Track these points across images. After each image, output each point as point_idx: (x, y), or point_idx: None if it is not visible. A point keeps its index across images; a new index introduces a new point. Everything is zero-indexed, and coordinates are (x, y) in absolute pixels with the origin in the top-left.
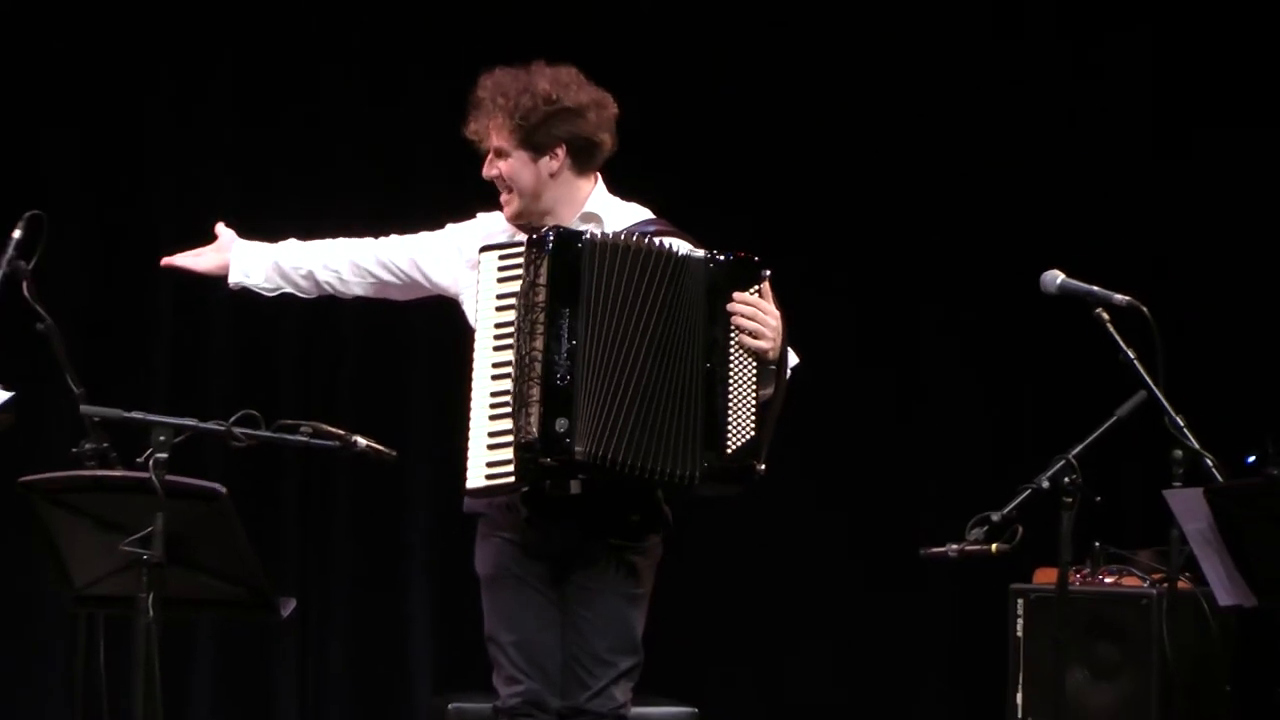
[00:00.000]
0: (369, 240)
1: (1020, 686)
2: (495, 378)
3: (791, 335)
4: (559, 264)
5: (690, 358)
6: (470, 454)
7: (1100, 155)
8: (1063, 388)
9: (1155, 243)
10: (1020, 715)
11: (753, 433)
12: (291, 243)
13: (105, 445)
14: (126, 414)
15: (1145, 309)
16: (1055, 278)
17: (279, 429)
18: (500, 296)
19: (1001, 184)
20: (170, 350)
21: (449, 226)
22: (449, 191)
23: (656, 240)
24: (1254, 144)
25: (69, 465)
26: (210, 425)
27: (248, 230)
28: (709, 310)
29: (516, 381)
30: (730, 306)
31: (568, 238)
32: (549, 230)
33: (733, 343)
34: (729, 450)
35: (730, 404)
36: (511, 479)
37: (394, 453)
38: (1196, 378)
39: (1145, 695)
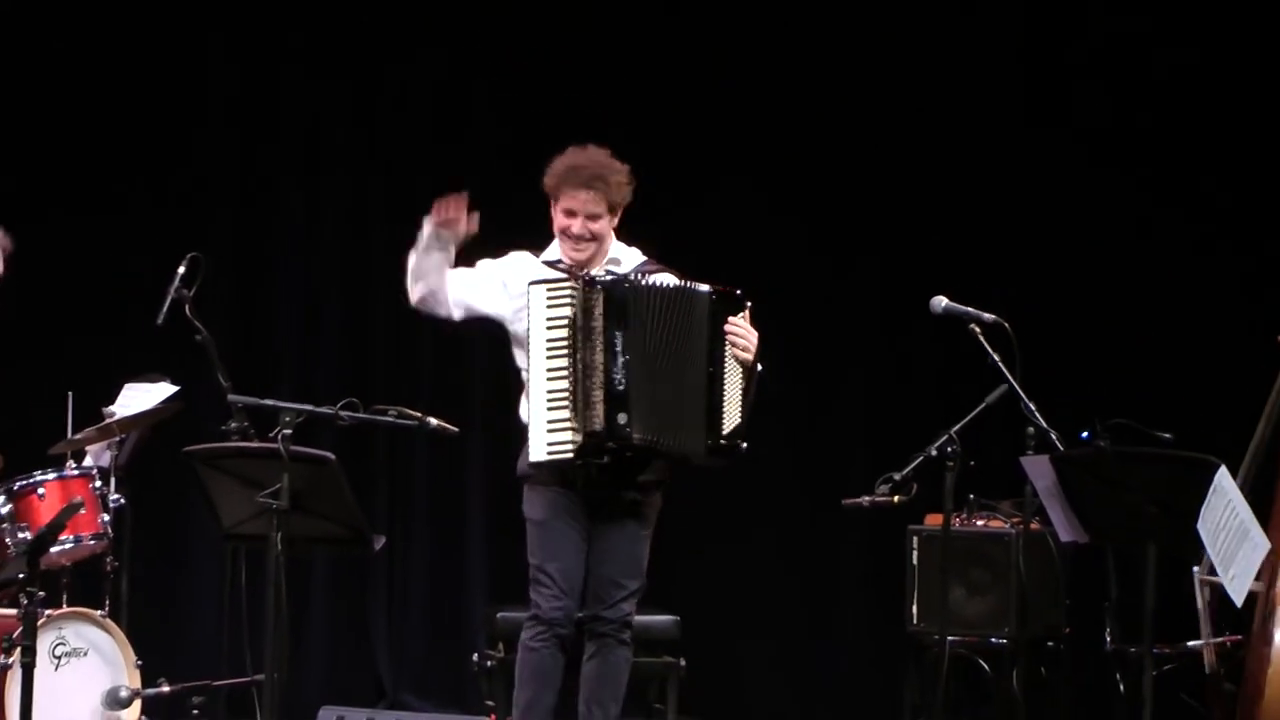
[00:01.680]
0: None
1: (915, 601)
2: (550, 379)
3: (777, 343)
4: (611, 299)
5: (698, 365)
6: (532, 435)
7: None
8: (945, 382)
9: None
10: (915, 622)
11: (739, 419)
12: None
13: (246, 424)
14: (261, 401)
15: (1007, 325)
16: (940, 302)
17: (373, 412)
18: (550, 319)
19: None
20: (294, 355)
21: (484, 262)
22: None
23: (674, 281)
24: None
25: (220, 438)
26: (323, 409)
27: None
28: (710, 330)
29: (577, 384)
30: (727, 328)
31: (617, 279)
32: (600, 274)
33: (728, 354)
34: (724, 432)
35: (725, 399)
36: (569, 455)
37: (457, 429)
38: (1045, 375)
39: (1006, 607)
